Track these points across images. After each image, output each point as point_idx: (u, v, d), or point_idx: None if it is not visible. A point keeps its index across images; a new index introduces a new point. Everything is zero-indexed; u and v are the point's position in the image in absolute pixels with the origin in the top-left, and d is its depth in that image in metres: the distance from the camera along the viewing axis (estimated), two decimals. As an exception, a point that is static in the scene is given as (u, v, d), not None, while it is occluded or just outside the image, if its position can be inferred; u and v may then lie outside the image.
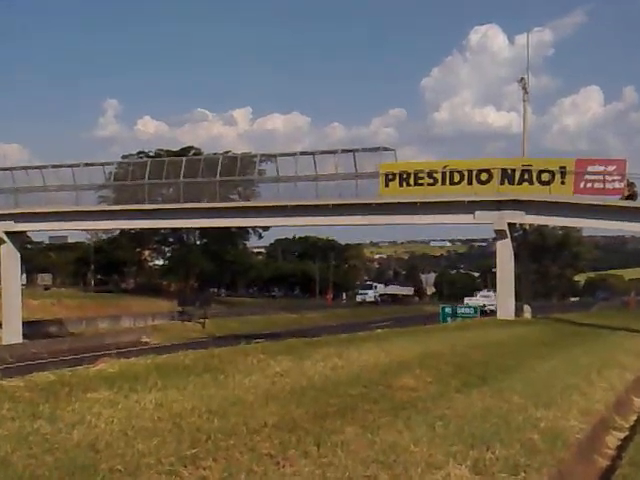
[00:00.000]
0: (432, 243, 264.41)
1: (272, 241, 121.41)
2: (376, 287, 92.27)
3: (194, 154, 63.24)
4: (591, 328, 29.75)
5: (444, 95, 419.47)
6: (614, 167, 32.06)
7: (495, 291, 37.19)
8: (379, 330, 23.36)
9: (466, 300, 58.19)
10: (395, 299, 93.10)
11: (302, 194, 36.85)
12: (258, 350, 12.77)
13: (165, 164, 41.32)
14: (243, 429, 6.46)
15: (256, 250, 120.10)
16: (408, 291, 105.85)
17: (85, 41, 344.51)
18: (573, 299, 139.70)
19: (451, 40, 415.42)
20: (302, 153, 39.43)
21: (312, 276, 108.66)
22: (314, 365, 11.22)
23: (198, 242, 79.06)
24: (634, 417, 10.54)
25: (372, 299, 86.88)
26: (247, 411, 7.25)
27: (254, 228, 74.66)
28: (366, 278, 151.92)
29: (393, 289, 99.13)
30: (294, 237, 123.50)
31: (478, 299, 59.56)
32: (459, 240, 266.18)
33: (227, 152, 59.29)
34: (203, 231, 72.19)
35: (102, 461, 5.24)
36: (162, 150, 71.58)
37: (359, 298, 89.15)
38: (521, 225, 36.91)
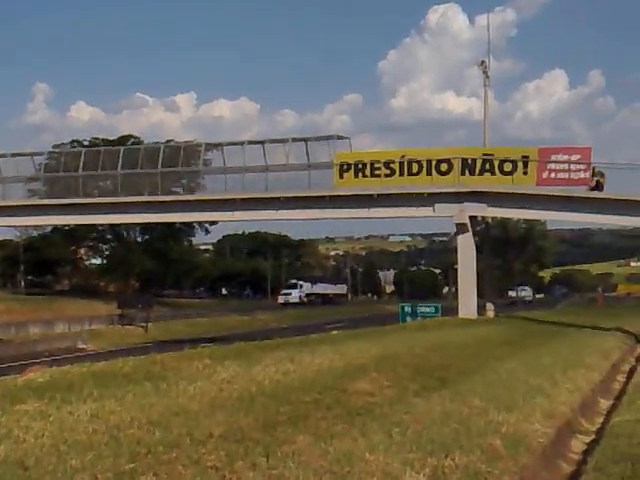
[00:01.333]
0: (391, 238, 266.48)
1: (220, 237, 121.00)
2: (302, 286, 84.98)
3: (133, 143, 62.42)
4: (556, 326, 30.29)
5: (402, 80, 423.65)
6: (579, 156, 32.74)
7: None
8: (334, 332, 23.51)
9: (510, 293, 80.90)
10: (325, 299, 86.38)
11: (251, 186, 36.85)
12: (204, 355, 12.71)
13: (101, 154, 40.77)
14: (187, 440, 6.43)
15: (203, 247, 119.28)
16: (340, 290, 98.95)
17: (11, 21, 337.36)
18: (538, 296, 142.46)
19: (409, 20, 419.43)
20: (251, 142, 39.41)
21: (264, 274, 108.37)
22: (264, 370, 11.21)
23: (139, 239, 78.14)
24: (600, 420, 10.78)
25: (297, 300, 79.76)
26: (191, 421, 7.21)
27: (200, 223, 73.99)
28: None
29: (322, 288, 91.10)
30: (243, 233, 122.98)
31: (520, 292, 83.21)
32: (419, 235, 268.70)
33: (169, 141, 58.78)
34: (144, 227, 71.40)
35: (31, 479, 5.15)
36: (98, 139, 70.38)
37: (281, 299, 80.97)
38: (483, 218, 37.44)
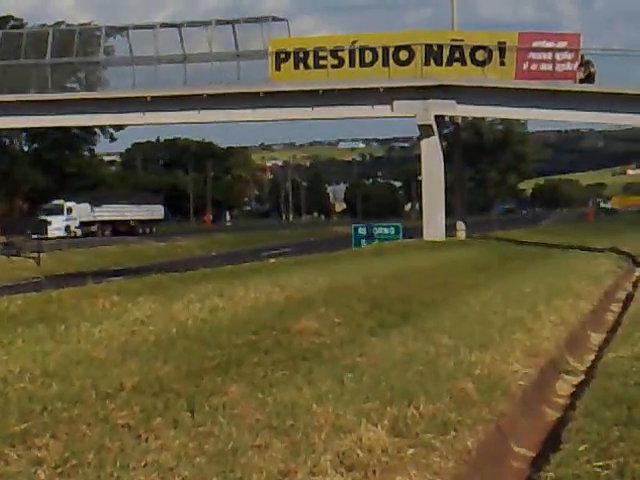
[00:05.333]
0: (341, 145, 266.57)
1: (128, 146, 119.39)
2: (70, 211, 64.73)
3: (13, 27, 60.51)
4: (539, 248, 30.91)
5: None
6: (565, 43, 32.90)
7: None
8: (273, 260, 23.64)
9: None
10: (120, 229, 67.97)
11: (166, 81, 36.29)
12: (112, 290, 12.67)
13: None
14: (92, 394, 6.40)
15: (107, 158, 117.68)
16: (150, 213, 74.54)
17: None
18: (524, 212, 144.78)
19: None
20: (164, 25, 38.73)
21: (184, 192, 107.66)
22: (187, 307, 11.27)
23: (26, 149, 76.69)
24: (591, 357, 11.08)
25: (62, 233, 61.23)
26: (97, 371, 7.18)
27: (102, 128, 72.97)
28: (257, 193, 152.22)
29: (113, 212, 69.26)
30: (158, 140, 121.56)
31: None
32: (375, 140, 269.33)
33: (59, 23, 57.12)
34: (32, 133, 69.90)
35: None
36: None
37: (36, 236, 53.06)
38: (452, 119, 37.58)
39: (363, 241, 35.84)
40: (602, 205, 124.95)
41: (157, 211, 76.85)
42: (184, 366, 7.56)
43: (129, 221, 71.44)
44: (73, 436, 5.46)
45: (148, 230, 71.43)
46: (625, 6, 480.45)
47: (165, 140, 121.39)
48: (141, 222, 72.19)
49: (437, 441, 5.82)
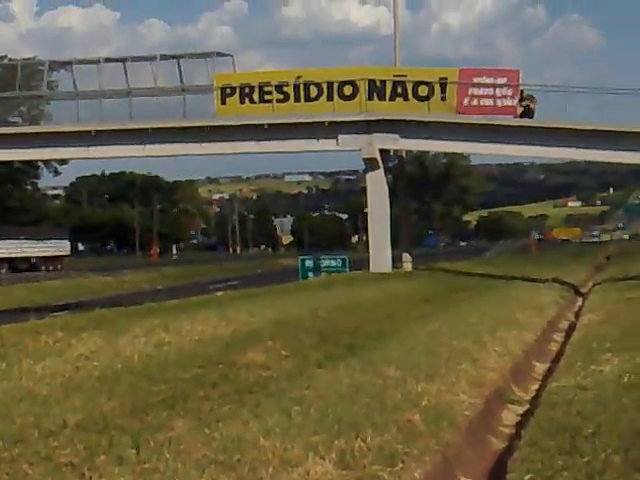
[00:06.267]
0: (287, 178, 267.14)
1: (73, 180, 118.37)
2: None
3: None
4: (484, 279, 31.18)
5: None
6: (505, 79, 33.38)
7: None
8: (220, 293, 23.54)
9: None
10: (18, 268, 60.59)
11: (111, 115, 36.11)
12: (55, 326, 12.51)
13: None
14: (34, 433, 6.29)
15: (51, 192, 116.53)
16: (53, 249, 66.44)
17: None
18: (462, 243, 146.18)
19: None
20: (109, 60, 38.46)
21: (130, 225, 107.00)
22: (133, 342, 11.21)
23: (-33, 183, 75.47)
24: (535, 386, 11.18)
25: None
26: (39, 408, 7.06)
27: (46, 162, 72.19)
28: (204, 226, 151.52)
29: (10, 248, 60.87)
30: (103, 174, 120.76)
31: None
32: (321, 173, 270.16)
33: (2, 57, 56.61)
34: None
35: None
36: None
37: None
38: (396, 152, 37.85)
39: (310, 273, 35.87)
40: (537, 236, 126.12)
41: (62, 246, 69.45)
42: (129, 402, 7.47)
43: (30, 258, 64.64)
44: (15, 476, 5.36)
45: (52, 267, 64.29)
46: (562, 44, 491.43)
47: (110, 174, 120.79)
48: (44, 259, 65.37)
49: (385, 473, 5.81)
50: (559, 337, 16.60)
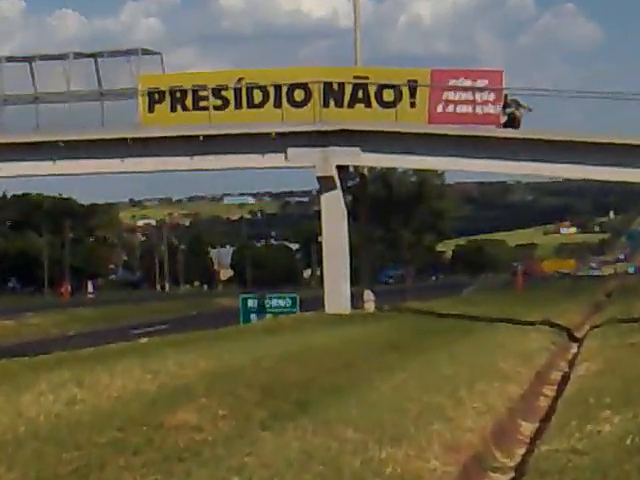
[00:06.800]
0: (226, 200, 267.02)
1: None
2: None
3: None
4: (460, 321, 31.34)
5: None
6: (486, 81, 33.69)
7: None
8: (145, 339, 23.44)
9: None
10: None
11: (13, 126, 36.02)
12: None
13: None
14: None
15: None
16: None
17: None
18: (436, 278, 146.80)
19: None
20: (10, 58, 38.36)
21: (37, 257, 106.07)
22: (38, 400, 11.14)
23: None
24: (521, 450, 11.22)
25: None
26: None
27: None
28: (126, 258, 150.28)
29: None
30: (4, 196, 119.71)
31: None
32: (267, 194, 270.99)
33: None
34: None
35: None
36: None
37: None
38: (357, 169, 38.02)
39: (253, 315, 35.81)
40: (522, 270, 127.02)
41: None
42: (33, 472, 7.45)
43: None
44: None
45: None
46: (553, 39, 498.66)
47: (13, 196, 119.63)
48: None
49: None
50: (550, 391, 16.71)
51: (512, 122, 32.94)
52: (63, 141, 34.74)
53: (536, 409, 14.57)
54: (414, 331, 25.44)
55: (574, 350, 24.31)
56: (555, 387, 17.01)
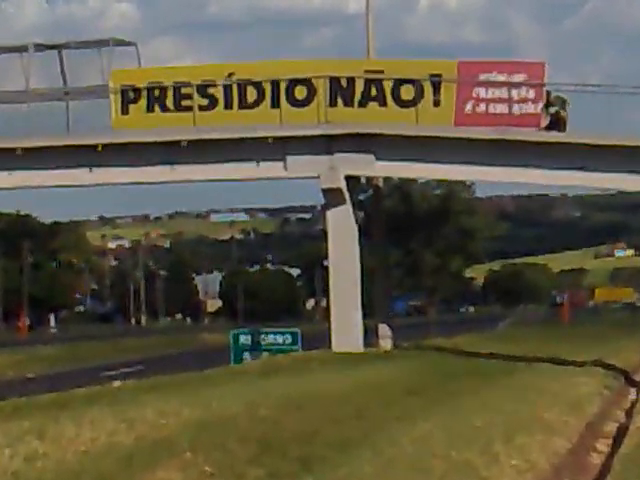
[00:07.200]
0: (214, 217, 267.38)
1: None
2: None
3: None
4: (494, 361, 31.27)
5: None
6: (524, 75, 33.65)
7: None
8: (118, 383, 23.40)
9: None
10: None
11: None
12: None
13: None
14: None
15: None
16: None
17: None
18: (465, 309, 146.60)
19: None
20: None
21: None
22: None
23: None
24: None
25: None
26: None
27: None
28: (95, 287, 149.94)
29: None
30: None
31: None
32: (262, 210, 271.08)
33: None
34: None
35: None
36: None
37: None
38: (369, 181, 38.02)
39: (246, 354, 35.77)
40: (558, 300, 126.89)
41: None
42: None
43: None
44: None
45: None
46: (606, 24, 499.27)
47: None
48: None
49: None
50: (604, 445, 16.61)
51: (556, 124, 32.83)
52: (22, 149, 34.79)
53: (587, 467, 14.49)
54: (439, 373, 25.40)
55: (633, 396, 24.19)
56: (610, 441, 16.91)
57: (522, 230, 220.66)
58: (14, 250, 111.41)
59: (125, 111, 35.09)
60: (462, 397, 19.35)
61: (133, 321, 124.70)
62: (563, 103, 32.86)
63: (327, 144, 33.64)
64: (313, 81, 34.06)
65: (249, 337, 37.19)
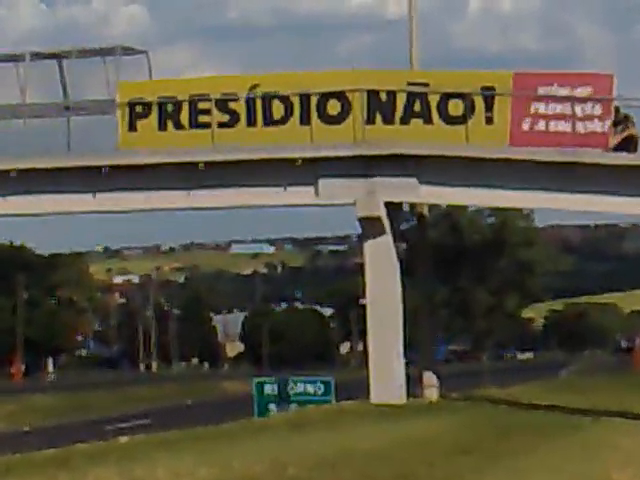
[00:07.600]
0: (235, 248, 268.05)
1: None
2: None
3: None
4: (556, 414, 31.15)
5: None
6: (589, 88, 33.63)
7: None
8: (125, 438, 23.45)
9: None
10: None
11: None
12: None
13: None
14: None
15: None
16: None
17: None
18: (523, 356, 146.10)
19: None
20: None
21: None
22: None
23: None
24: None
25: None
26: None
27: None
28: (99, 328, 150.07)
29: None
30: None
31: None
32: (291, 241, 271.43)
33: None
34: None
35: None
36: None
37: None
38: (413, 208, 38.01)
39: (272, 406, 35.85)
40: (622, 345, 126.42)
41: None
42: None
43: None
44: None
45: None
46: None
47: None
48: None
49: None
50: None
51: (627, 144, 32.77)
52: (16, 170, 35.00)
53: None
54: (493, 428, 25.33)
55: None
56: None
57: (588, 265, 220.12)
58: (7, 286, 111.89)
59: (133, 128, 35.19)
60: (519, 456, 19.31)
61: (142, 367, 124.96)
62: (632, 121, 32.79)
63: (364, 166, 33.67)
64: (348, 95, 34.11)
65: (275, 386, 37.25)
